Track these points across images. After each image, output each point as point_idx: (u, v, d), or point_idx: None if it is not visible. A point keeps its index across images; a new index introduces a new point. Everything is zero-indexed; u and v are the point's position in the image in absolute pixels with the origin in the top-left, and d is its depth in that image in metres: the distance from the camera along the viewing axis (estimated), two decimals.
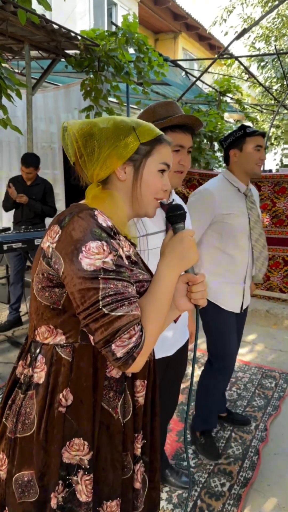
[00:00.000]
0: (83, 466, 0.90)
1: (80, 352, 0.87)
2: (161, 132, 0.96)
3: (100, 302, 0.78)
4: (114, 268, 0.80)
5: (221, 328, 2.07)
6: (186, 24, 13.00)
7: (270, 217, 3.99)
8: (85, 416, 0.88)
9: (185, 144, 1.39)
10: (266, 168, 9.83)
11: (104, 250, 0.79)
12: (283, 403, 2.64)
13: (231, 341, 2.12)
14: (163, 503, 1.82)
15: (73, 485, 0.90)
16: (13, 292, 3.77)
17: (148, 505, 1.07)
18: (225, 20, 7.86)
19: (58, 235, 0.82)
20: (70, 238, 0.80)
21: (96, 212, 0.83)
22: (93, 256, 0.78)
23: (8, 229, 3.76)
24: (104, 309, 0.78)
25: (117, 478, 0.94)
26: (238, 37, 4.04)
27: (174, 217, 0.93)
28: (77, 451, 0.90)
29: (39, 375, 0.89)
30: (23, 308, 3.93)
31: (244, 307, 2.14)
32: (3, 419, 0.94)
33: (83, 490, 0.90)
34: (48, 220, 4.04)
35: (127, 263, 0.88)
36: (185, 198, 4.23)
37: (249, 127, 1.98)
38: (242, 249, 2.01)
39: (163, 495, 1.87)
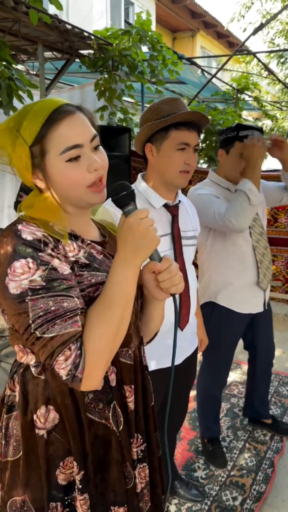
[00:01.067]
0: (76, 486, 0.84)
1: (50, 370, 0.80)
2: (48, 113, 0.77)
3: (32, 325, 0.72)
4: (44, 284, 0.73)
5: (223, 336, 1.99)
6: (204, 22, 12.85)
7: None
8: (71, 435, 0.82)
9: (191, 142, 1.30)
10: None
11: (29, 268, 0.73)
12: None
13: (228, 347, 2.05)
14: None
15: (73, 502, 0.85)
16: None
17: (153, 505, 1.01)
18: (243, 17, 7.72)
19: None
20: None
21: (20, 227, 0.75)
22: (18, 277, 0.72)
23: None
24: (36, 332, 0.72)
25: (121, 489, 0.89)
26: (254, 32, 3.93)
27: (119, 199, 0.77)
28: (71, 468, 0.85)
29: (15, 395, 0.85)
30: None
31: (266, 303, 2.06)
32: None
33: (80, 510, 0.85)
34: None
35: (68, 271, 0.77)
36: None
37: (247, 128, 1.82)
38: (247, 248, 1.91)
39: (172, 508, 1.80)
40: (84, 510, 0.85)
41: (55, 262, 0.76)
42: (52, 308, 0.72)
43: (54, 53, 4.26)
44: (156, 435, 1.06)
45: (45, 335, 0.72)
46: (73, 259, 0.81)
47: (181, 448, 2.19)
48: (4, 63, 2.82)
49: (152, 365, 1.40)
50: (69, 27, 3.64)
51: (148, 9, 10.81)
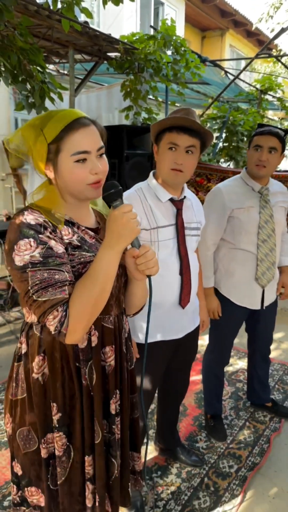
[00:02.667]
0: (55, 425, 1.07)
1: (46, 328, 1.00)
2: (69, 120, 0.95)
3: (30, 290, 0.93)
4: (41, 259, 0.92)
5: (224, 321, 2.16)
6: (233, 21, 12.85)
7: None
8: (57, 383, 1.05)
9: (180, 144, 1.45)
10: None
11: (31, 246, 0.92)
12: None
13: (230, 334, 2.23)
14: (172, 477, 1.97)
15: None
16: None
17: (122, 462, 1.21)
18: (271, 17, 7.74)
19: (5, 240, 0.99)
20: (8, 240, 0.96)
21: (26, 213, 0.95)
22: (21, 252, 0.92)
23: None
24: (33, 296, 0.93)
25: (88, 441, 1.10)
26: (276, 37, 4.03)
27: (108, 196, 0.95)
28: (54, 413, 1.07)
29: (23, 347, 1.09)
30: None
31: (266, 304, 2.19)
32: (8, 386, 1.14)
33: (56, 446, 1.07)
34: None
35: (62, 250, 0.96)
36: None
37: (264, 125, 2.00)
38: (253, 246, 2.05)
39: (173, 470, 2.02)
40: (59, 445, 1.07)
41: (52, 243, 0.95)
42: (46, 278, 0.92)
43: (84, 55, 4.51)
44: (133, 396, 1.27)
45: (40, 299, 0.92)
46: (67, 241, 1.01)
47: (186, 423, 2.40)
48: (38, 67, 3.08)
49: (158, 337, 1.61)
50: (97, 33, 3.88)
51: (178, 8, 10.93)
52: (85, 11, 3.07)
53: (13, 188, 5.88)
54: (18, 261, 0.93)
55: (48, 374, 1.05)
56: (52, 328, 0.94)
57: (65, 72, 5.38)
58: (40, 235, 0.94)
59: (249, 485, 1.95)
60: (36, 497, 1.11)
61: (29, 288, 0.93)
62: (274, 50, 10.80)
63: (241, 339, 3.06)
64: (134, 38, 3.91)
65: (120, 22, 8.92)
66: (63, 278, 0.94)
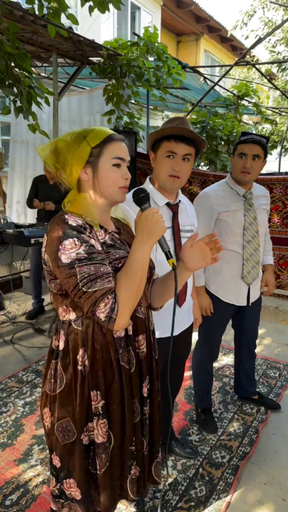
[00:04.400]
0: (97, 413, 1.14)
1: (87, 322, 1.12)
2: (110, 133, 1.13)
3: (79, 284, 1.02)
4: (86, 255, 1.02)
5: (213, 316, 2.28)
6: (208, 26, 13.14)
7: (281, 218, 4.16)
8: (99, 372, 1.13)
9: (177, 152, 1.53)
10: (282, 170, 9.89)
11: (76, 244, 1.02)
12: (284, 390, 2.83)
13: (218, 329, 2.35)
14: (168, 469, 2.05)
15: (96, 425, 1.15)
16: (32, 285, 4.07)
17: (150, 442, 1.31)
18: (246, 24, 7.99)
19: (45, 241, 1.08)
20: (51, 241, 1.05)
21: (66, 216, 1.06)
22: (67, 251, 1.02)
23: (34, 225, 4.06)
24: (83, 288, 1.02)
25: (130, 421, 1.18)
26: (253, 46, 4.20)
27: (138, 200, 1.10)
28: (94, 401, 1.14)
29: (61, 344, 1.16)
30: (47, 299, 4.22)
31: (251, 301, 2.33)
32: (45, 383, 1.21)
33: (100, 433, 1.14)
34: None
35: (100, 248, 1.08)
36: None
37: (247, 133, 2.12)
38: (238, 247, 2.18)
39: (169, 463, 2.10)
40: (103, 432, 1.15)
41: (92, 241, 1.07)
42: (93, 272, 1.02)
43: (67, 60, 4.55)
44: (158, 383, 1.36)
45: (90, 290, 1.02)
46: (102, 241, 1.13)
47: (178, 418, 2.49)
48: (25, 72, 3.11)
49: (157, 334, 1.69)
50: (81, 38, 3.93)
51: (154, 13, 11.05)
52: (71, 17, 3.12)
53: None
54: (65, 258, 1.02)
55: (88, 365, 1.12)
56: (103, 316, 1.02)
57: (45, 75, 5.40)
58: (82, 235, 1.05)
59: (241, 473, 2.05)
60: (74, 489, 1.18)
61: (78, 281, 1.02)
62: (248, 57, 11.09)
63: (225, 336, 3.18)
64: (118, 44, 3.98)
65: (98, 26, 8.97)
66: (107, 271, 1.05)
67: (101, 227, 1.17)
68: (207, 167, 5.57)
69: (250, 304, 2.33)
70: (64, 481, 1.19)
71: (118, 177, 1.13)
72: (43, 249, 1.11)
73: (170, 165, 1.57)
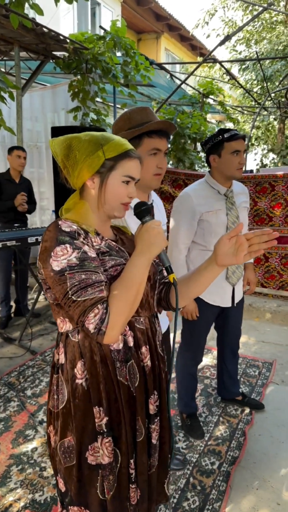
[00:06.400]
0: (101, 431, 1.04)
1: (83, 333, 1.05)
2: (128, 148, 1.07)
3: (69, 292, 0.95)
4: (78, 263, 0.97)
5: (198, 321, 2.21)
6: (168, 25, 13.16)
7: (252, 215, 4.18)
8: (99, 386, 1.04)
9: (162, 148, 1.46)
10: (248, 168, 10.08)
11: (67, 251, 0.97)
12: (266, 389, 2.82)
13: (203, 332, 2.29)
14: None
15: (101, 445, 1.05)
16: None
17: (160, 459, 1.21)
18: (207, 23, 8.03)
19: (40, 249, 1.02)
20: (44, 249, 1.00)
21: (60, 222, 1.01)
22: (59, 258, 0.96)
23: None
24: (73, 297, 0.95)
25: (129, 440, 1.08)
26: (221, 43, 4.19)
27: (140, 213, 1.08)
28: (97, 418, 1.04)
29: (61, 357, 1.08)
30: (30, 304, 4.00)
31: (236, 301, 2.29)
32: (49, 400, 1.13)
33: (105, 453, 1.05)
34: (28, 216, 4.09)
35: (94, 255, 1.02)
36: (171, 197, 4.37)
37: (228, 130, 2.06)
38: None
39: None
40: (109, 451, 1.05)
41: (85, 248, 1.00)
42: (84, 280, 0.96)
43: (29, 53, 4.34)
44: (166, 396, 1.26)
45: (79, 299, 0.95)
46: (97, 247, 1.06)
47: None
48: None
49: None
50: (45, 30, 3.75)
51: (114, 9, 10.92)
52: (36, 7, 2.95)
53: None
54: (56, 266, 0.96)
55: (89, 378, 1.04)
56: (91, 327, 0.95)
57: (4, 70, 5.13)
58: (75, 241, 0.99)
59: (232, 480, 1.99)
60: None
61: (68, 289, 0.95)
62: (212, 60, 11.22)
63: None
64: (84, 37, 3.83)
65: (57, 21, 8.72)
66: (100, 279, 0.99)
67: (98, 234, 1.10)
68: (176, 165, 5.52)
69: (235, 305, 2.28)
70: (70, 507, 1.10)
71: (124, 194, 1.09)
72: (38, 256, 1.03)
73: (155, 163, 1.47)
